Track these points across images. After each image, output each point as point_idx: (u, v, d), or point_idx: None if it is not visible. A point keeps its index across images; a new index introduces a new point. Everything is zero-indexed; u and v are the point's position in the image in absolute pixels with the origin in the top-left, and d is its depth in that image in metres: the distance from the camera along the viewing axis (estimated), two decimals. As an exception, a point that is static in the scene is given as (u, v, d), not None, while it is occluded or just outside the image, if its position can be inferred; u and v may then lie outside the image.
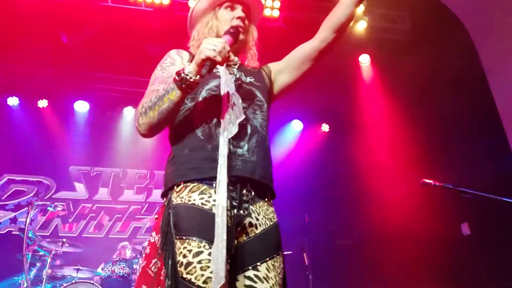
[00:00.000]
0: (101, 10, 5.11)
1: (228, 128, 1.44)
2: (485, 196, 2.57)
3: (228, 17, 1.71)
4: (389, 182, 5.87)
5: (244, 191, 1.46)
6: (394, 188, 5.73)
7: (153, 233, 1.49)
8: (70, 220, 6.70)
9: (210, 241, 1.31)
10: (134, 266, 4.59)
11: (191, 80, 1.39)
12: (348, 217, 6.54)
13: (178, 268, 1.32)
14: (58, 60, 5.92)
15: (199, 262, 1.30)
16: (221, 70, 1.58)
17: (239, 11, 1.72)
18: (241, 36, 1.70)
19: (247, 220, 1.45)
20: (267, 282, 1.39)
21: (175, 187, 1.47)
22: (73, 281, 4.39)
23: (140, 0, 4.92)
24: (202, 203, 1.41)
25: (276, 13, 5.11)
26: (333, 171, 6.62)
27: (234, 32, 1.56)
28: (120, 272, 4.50)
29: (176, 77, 1.40)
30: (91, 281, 4.41)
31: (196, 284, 1.28)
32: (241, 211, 1.44)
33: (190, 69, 1.40)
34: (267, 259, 1.44)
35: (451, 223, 4.86)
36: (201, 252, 1.32)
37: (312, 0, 5.43)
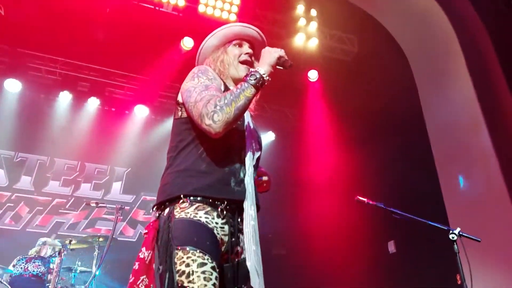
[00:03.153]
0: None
1: (248, 163, 1.63)
2: (412, 218, 2.71)
3: (237, 53, 1.88)
4: (325, 195, 6.05)
5: (239, 219, 1.58)
6: (329, 202, 5.91)
7: (143, 249, 1.51)
8: (-17, 209, 6.08)
9: (212, 257, 1.41)
10: (51, 266, 4.22)
11: (267, 79, 1.59)
12: (284, 227, 6.63)
13: (178, 278, 1.37)
14: (-10, 32, 5.40)
15: (203, 272, 1.37)
16: None
17: (246, 48, 1.90)
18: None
19: (236, 248, 1.57)
20: None
21: (179, 203, 1.51)
22: (-23, 278, 3.95)
23: (92, -18, 4.64)
24: (206, 222, 1.48)
25: (233, 18, 5.10)
26: (272, 180, 6.68)
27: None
28: (33, 271, 4.10)
29: (250, 78, 1.57)
30: (-1, 278, 3.99)
31: None
32: (234, 239, 1.56)
33: (264, 70, 1.60)
34: None
35: (379, 241, 5.10)
36: (205, 264, 1.39)
37: (268, 12, 5.51)
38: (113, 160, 6.95)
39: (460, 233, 2.45)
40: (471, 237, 2.49)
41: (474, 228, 3.77)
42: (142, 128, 7.09)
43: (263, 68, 1.61)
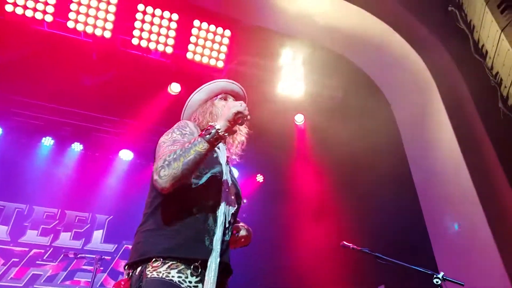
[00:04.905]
0: (35, 34, 4.79)
1: (223, 217, 1.60)
2: (396, 263, 2.74)
3: (224, 104, 1.96)
4: (313, 240, 5.94)
5: (220, 279, 1.55)
6: (317, 246, 5.80)
7: None
8: (-47, 261, 5.73)
9: None
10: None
11: (222, 134, 1.59)
12: (273, 272, 6.43)
13: None
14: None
15: None
16: (220, 156, 1.79)
17: (231, 101, 2.02)
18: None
19: None
20: None
21: (152, 262, 1.48)
22: None
23: (80, 30, 4.70)
24: (179, 281, 1.45)
25: (220, 64, 5.17)
26: (262, 222, 6.56)
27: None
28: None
29: (204, 132, 1.57)
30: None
31: None
32: None
33: (220, 125, 1.61)
34: None
35: (369, 286, 4.97)
36: None
37: (254, 58, 5.65)
38: (95, 207, 6.74)
39: (444, 277, 2.49)
40: (454, 281, 2.53)
41: (460, 273, 3.76)
42: (126, 173, 6.96)
43: (219, 123, 1.63)
